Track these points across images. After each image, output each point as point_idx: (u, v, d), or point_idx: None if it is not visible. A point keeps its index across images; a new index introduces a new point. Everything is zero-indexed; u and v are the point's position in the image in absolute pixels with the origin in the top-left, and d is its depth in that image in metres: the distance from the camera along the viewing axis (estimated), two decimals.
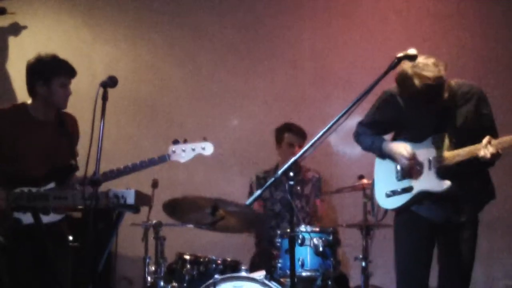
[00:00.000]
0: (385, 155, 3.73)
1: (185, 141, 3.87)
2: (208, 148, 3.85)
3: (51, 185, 3.70)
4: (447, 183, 3.45)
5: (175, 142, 3.85)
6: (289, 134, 5.20)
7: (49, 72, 3.82)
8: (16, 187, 3.57)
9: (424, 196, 3.56)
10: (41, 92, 3.83)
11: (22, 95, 5.49)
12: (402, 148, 3.60)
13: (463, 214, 3.55)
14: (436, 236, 3.64)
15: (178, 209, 4.10)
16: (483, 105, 3.55)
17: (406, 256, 3.67)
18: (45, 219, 3.60)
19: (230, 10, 6.11)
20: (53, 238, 3.69)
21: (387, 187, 3.71)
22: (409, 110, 3.59)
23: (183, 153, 3.81)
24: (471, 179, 3.53)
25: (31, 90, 3.88)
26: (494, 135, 3.43)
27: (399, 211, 3.70)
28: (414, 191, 3.57)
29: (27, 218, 3.53)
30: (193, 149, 3.83)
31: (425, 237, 3.63)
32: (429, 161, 3.53)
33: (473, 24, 5.75)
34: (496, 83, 5.45)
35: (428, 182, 3.53)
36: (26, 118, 3.87)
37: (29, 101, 3.91)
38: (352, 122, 5.61)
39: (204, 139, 3.85)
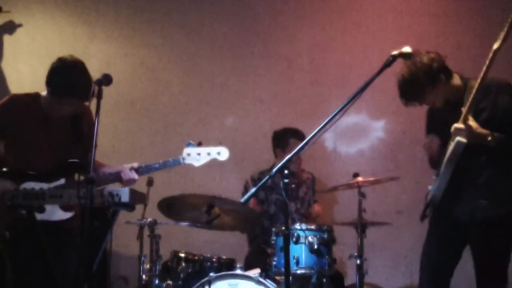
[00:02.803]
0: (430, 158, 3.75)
1: (199, 144, 3.81)
2: (223, 153, 3.78)
3: (61, 181, 3.69)
4: (456, 139, 3.36)
5: (189, 144, 3.80)
6: (295, 140, 5.04)
7: (63, 90, 3.66)
8: (24, 181, 3.57)
9: (451, 189, 3.50)
10: (50, 97, 3.74)
11: None
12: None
13: (486, 210, 3.44)
14: (465, 234, 3.56)
15: (173, 207, 4.09)
16: (500, 96, 3.46)
17: (427, 252, 3.71)
18: (56, 216, 3.62)
19: (227, 9, 6.11)
20: (60, 235, 3.67)
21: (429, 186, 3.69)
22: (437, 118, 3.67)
23: (198, 156, 3.76)
24: (493, 173, 3.46)
25: (47, 85, 3.73)
26: (509, 128, 3.37)
27: (434, 206, 3.65)
28: (439, 172, 3.52)
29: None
30: (209, 154, 3.78)
31: (450, 234, 3.59)
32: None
33: (470, 24, 5.76)
34: None
35: (445, 155, 3.48)
36: (36, 110, 3.78)
37: (44, 92, 3.79)
38: (348, 120, 5.70)
39: (220, 144, 3.80)
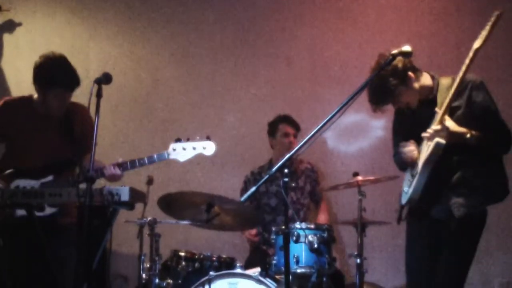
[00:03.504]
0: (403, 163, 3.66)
1: (187, 140, 3.77)
2: (209, 148, 3.73)
3: (49, 177, 3.68)
4: (435, 140, 3.31)
5: (177, 140, 3.75)
6: (284, 124, 5.23)
7: (46, 82, 3.73)
8: (14, 179, 3.58)
9: (428, 189, 3.45)
10: (38, 94, 3.82)
11: (17, 93, 5.52)
12: (402, 145, 3.58)
13: (463, 208, 3.39)
14: (443, 233, 3.49)
15: (173, 205, 4.09)
16: (475, 94, 3.43)
17: (409, 255, 3.68)
18: (37, 212, 3.59)
19: (227, 7, 6.10)
20: (48, 229, 3.65)
21: (405, 187, 3.64)
22: (407, 118, 3.61)
23: (183, 151, 3.71)
24: (466, 174, 3.41)
25: (33, 83, 3.82)
26: (486, 125, 3.35)
27: (410, 208, 3.62)
28: (417, 172, 3.47)
29: (19, 210, 3.53)
30: (194, 148, 3.72)
31: (430, 234, 3.54)
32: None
33: (470, 23, 5.74)
34: (493, 82, 5.43)
35: (423, 156, 3.43)
36: (29, 112, 3.85)
37: (35, 94, 3.88)
38: (347, 119, 5.69)
39: (207, 138, 3.73)
